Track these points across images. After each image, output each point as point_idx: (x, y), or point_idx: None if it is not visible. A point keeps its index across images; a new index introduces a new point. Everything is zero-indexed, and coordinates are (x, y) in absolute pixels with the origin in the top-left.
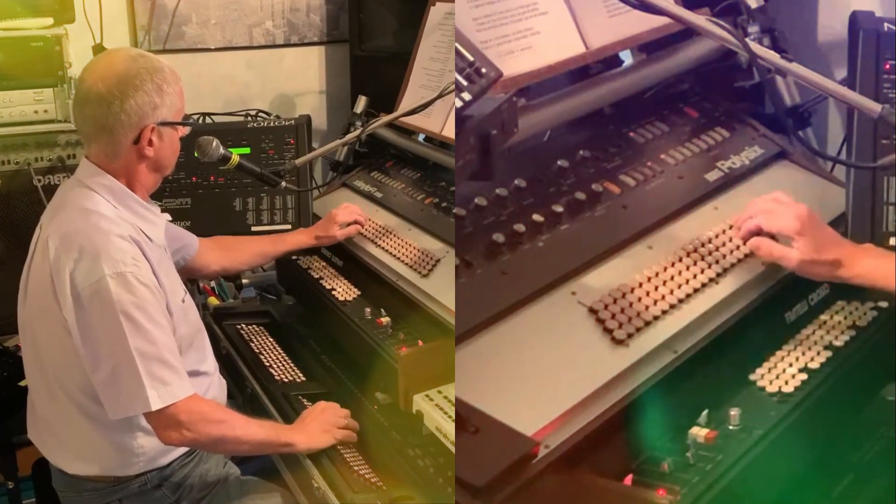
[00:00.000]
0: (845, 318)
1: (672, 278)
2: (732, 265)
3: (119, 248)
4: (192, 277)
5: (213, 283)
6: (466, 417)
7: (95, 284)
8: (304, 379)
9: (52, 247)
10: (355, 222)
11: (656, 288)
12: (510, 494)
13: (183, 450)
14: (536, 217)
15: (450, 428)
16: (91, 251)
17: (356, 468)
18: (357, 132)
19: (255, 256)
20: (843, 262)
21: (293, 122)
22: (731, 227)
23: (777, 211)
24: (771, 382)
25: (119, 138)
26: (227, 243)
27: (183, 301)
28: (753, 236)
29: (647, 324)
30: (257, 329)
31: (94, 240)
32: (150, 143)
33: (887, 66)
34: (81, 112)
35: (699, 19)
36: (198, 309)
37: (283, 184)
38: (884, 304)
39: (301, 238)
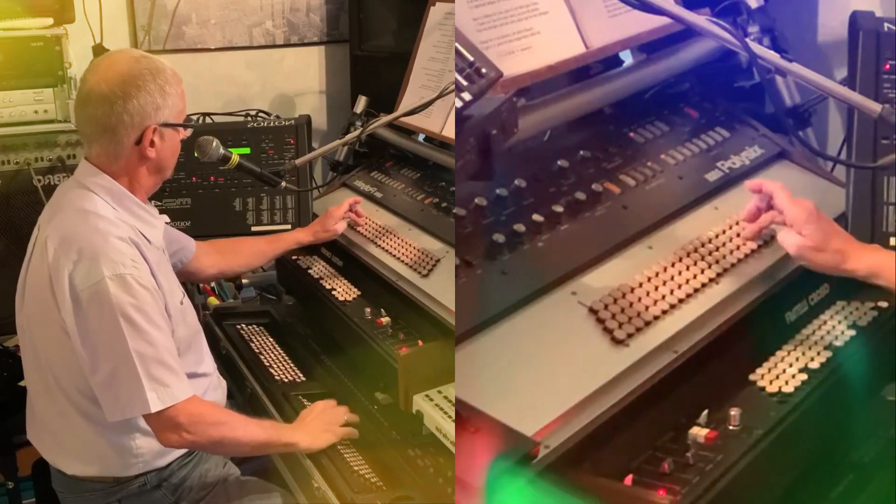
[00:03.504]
0: (845, 318)
1: (672, 278)
2: (732, 265)
3: (118, 249)
4: (189, 281)
5: (213, 283)
6: (466, 417)
7: (95, 286)
8: (304, 379)
9: (51, 248)
10: (350, 209)
11: (656, 288)
12: (510, 494)
13: (182, 450)
14: (536, 217)
15: (450, 428)
16: (90, 253)
17: (356, 468)
18: (357, 132)
19: (253, 257)
20: (849, 254)
21: (293, 122)
22: (731, 227)
23: (791, 196)
24: (771, 382)
25: (121, 139)
26: (223, 246)
27: (181, 303)
28: (755, 214)
29: (647, 324)
30: (257, 329)
31: (93, 241)
32: (152, 143)
33: (887, 66)
34: (83, 112)
35: (699, 19)
36: (198, 309)
37: (283, 184)
38: (884, 304)
39: (298, 236)
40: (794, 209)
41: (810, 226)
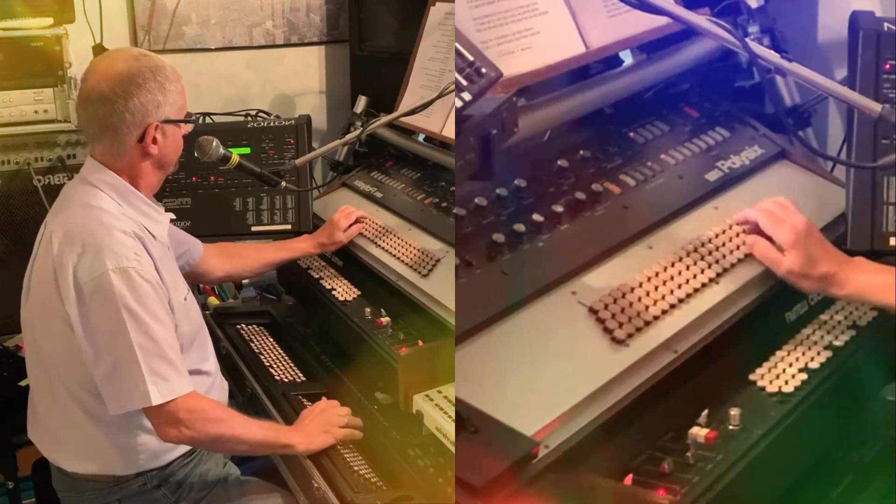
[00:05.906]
0: (845, 318)
1: (672, 278)
2: (732, 265)
3: (122, 243)
4: (196, 282)
5: None
6: (466, 417)
7: (98, 279)
8: (304, 379)
9: (56, 242)
10: (357, 221)
11: (656, 288)
12: (510, 494)
13: (183, 449)
14: (536, 217)
15: (450, 428)
16: (94, 246)
17: (356, 468)
18: (357, 132)
19: (260, 265)
20: (835, 279)
21: (293, 122)
22: (731, 227)
23: (778, 217)
24: (771, 382)
25: (123, 137)
26: (231, 250)
27: (185, 299)
28: (752, 232)
29: (647, 324)
30: (257, 329)
31: (97, 235)
32: (154, 140)
33: (887, 67)
34: (85, 112)
35: (699, 19)
36: None
37: (283, 184)
38: None
39: (304, 246)
40: (779, 232)
41: (795, 250)
